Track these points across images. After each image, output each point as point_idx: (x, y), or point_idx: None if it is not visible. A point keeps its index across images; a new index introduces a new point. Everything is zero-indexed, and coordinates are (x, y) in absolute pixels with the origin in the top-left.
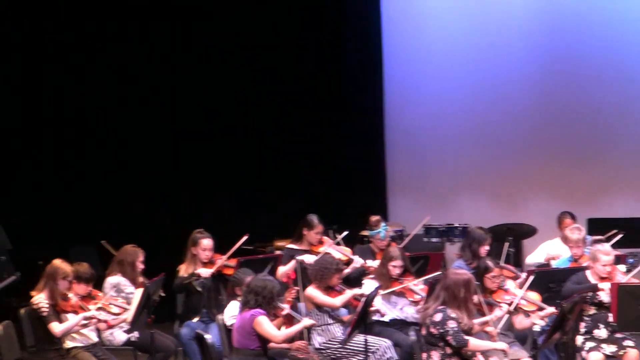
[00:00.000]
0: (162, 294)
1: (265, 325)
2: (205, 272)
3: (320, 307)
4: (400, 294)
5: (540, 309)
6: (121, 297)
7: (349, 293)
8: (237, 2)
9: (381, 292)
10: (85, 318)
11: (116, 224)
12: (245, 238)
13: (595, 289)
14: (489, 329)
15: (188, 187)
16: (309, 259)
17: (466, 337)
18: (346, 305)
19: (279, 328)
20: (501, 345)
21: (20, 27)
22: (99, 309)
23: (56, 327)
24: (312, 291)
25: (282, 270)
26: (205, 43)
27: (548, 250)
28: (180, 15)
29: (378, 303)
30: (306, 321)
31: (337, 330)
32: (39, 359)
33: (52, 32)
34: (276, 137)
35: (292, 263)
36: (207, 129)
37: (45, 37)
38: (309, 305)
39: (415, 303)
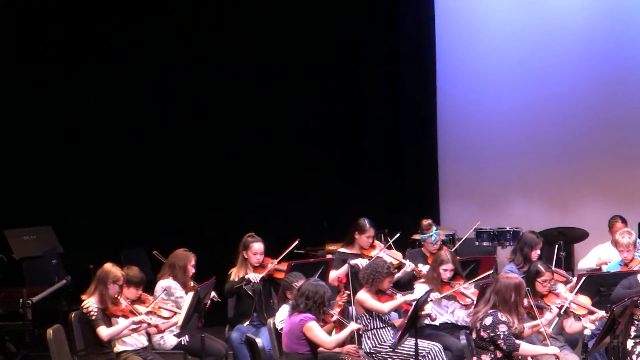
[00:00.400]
0: (217, 299)
1: (316, 331)
2: (254, 277)
3: (370, 311)
4: (451, 297)
5: (591, 312)
6: (170, 300)
7: (399, 299)
8: (294, 17)
9: (433, 296)
10: (134, 323)
11: (167, 228)
12: (296, 242)
13: None
14: (549, 349)
15: (238, 191)
16: (362, 262)
17: (517, 341)
18: (397, 309)
19: (329, 333)
20: (553, 349)
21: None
22: (149, 313)
23: (103, 331)
24: (363, 295)
25: (333, 274)
26: (251, 46)
27: (599, 255)
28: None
29: (429, 307)
30: (353, 325)
31: (388, 334)
32: None
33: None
34: (329, 141)
35: (344, 267)
36: (256, 134)
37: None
38: (360, 309)
39: (466, 307)
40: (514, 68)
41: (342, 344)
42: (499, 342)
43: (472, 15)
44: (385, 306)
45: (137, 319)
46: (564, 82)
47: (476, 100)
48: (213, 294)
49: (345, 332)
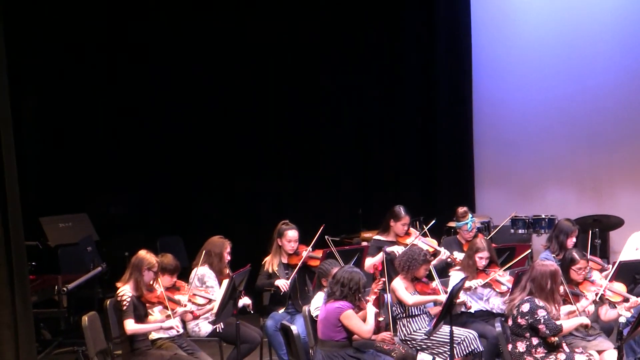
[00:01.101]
0: (249, 306)
1: (354, 319)
2: (284, 284)
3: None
4: (487, 285)
5: (626, 299)
6: (203, 288)
7: (428, 297)
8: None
9: (471, 284)
10: (164, 328)
11: (202, 215)
12: (322, 228)
13: None
14: (580, 319)
15: (274, 178)
16: (398, 250)
17: (558, 322)
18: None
19: (364, 320)
20: (584, 320)
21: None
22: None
23: (129, 325)
24: (397, 283)
25: (369, 261)
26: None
27: (637, 244)
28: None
29: (463, 295)
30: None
31: (423, 322)
32: (124, 350)
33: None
34: (365, 129)
35: (380, 254)
36: (292, 121)
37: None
38: (394, 297)
39: (502, 294)
40: (549, 59)
41: (377, 330)
42: (540, 327)
43: (507, 5)
44: (410, 300)
45: (166, 325)
46: (599, 73)
47: (512, 89)
48: (249, 302)
49: (371, 318)
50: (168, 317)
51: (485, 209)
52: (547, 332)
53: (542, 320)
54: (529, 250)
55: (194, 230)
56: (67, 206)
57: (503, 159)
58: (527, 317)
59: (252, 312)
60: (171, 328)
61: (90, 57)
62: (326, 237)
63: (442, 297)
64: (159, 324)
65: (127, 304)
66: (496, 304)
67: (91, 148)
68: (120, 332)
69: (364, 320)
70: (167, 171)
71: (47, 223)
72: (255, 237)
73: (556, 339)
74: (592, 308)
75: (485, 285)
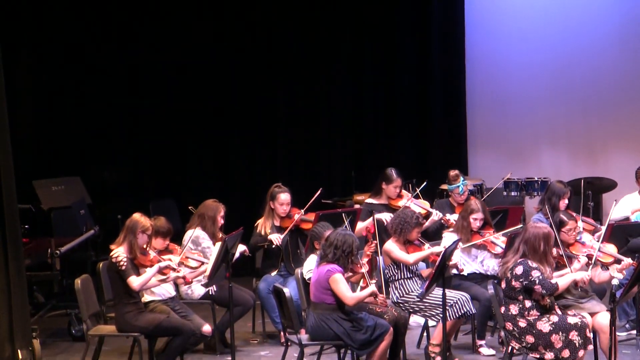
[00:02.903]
0: (249, 254)
1: (341, 284)
2: (277, 238)
3: (397, 262)
4: (481, 246)
5: (618, 261)
6: (198, 250)
7: (426, 251)
8: None
9: (461, 245)
10: (161, 268)
11: (195, 179)
12: (319, 192)
13: None
14: (573, 275)
15: (267, 141)
16: (387, 217)
17: (554, 281)
18: (425, 259)
19: (357, 283)
20: (579, 275)
21: None
22: (178, 263)
23: (134, 281)
24: (390, 245)
25: (360, 225)
26: None
27: (628, 205)
28: None
29: (456, 257)
30: (373, 287)
31: (415, 285)
32: (117, 312)
33: None
34: (358, 92)
35: (369, 219)
36: (284, 85)
37: None
38: (387, 260)
39: (497, 256)
40: (542, 19)
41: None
42: (535, 288)
43: None
44: (410, 257)
45: (163, 264)
46: (592, 34)
47: (504, 50)
48: (244, 248)
49: (365, 292)
50: (162, 280)
51: (478, 172)
52: (544, 291)
53: (537, 281)
54: (520, 226)
55: (188, 194)
56: (60, 169)
57: (496, 122)
58: (521, 280)
59: (249, 255)
60: (168, 267)
61: (86, 19)
62: (320, 192)
63: (440, 249)
64: (157, 266)
65: (125, 264)
66: (491, 265)
67: (84, 111)
68: (113, 294)
69: (358, 283)
70: (161, 134)
71: (40, 186)
72: (249, 200)
73: (549, 301)
74: (586, 276)
75: (479, 247)
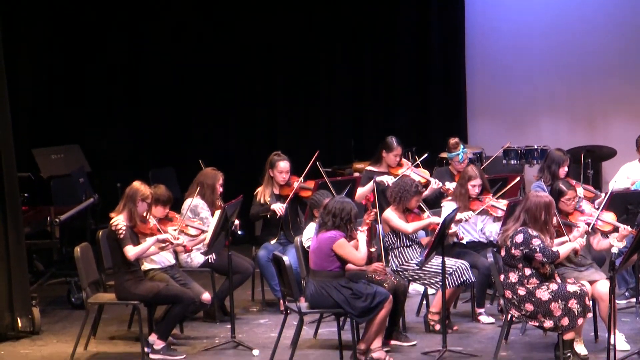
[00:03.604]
0: (239, 231)
1: (347, 247)
2: (280, 208)
3: (396, 230)
4: (483, 212)
5: (617, 228)
6: (196, 219)
7: (424, 220)
8: None
9: (466, 214)
10: (159, 241)
11: (194, 147)
12: (317, 154)
13: None
14: (573, 244)
15: (267, 109)
16: (388, 179)
17: (555, 249)
18: (424, 227)
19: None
20: (577, 243)
21: None
22: (177, 231)
23: (130, 251)
24: (389, 214)
25: (360, 192)
26: None
27: (628, 174)
28: None
29: (455, 226)
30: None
31: (414, 253)
32: (117, 280)
33: None
34: (356, 59)
35: (370, 184)
36: (286, 52)
37: None
38: (386, 228)
39: (499, 219)
40: None
41: (370, 261)
42: (536, 256)
43: None
44: (409, 226)
45: (161, 236)
46: (593, 2)
47: (504, 18)
48: (237, 222)
49: (363, 246)
50: (161, 249)
51: (478, 140)
52: (545, 259)
53: (537, 249)
54: (518, 179)
55: (187, 162)
56: (60, 138)
57: (495, 90)
58: (521, 248)
59: (239, 232)
60: (167, 240)
61: None
62: (318, 163)
63: (438, 220)
64: (155, 237)
65: (124, 232)
66: (493, 230)
67: (83, 80)
68: (113, 262)
69: (357, 249)
70: (161, 102)
71: (40, 154)
72: (248, 169)
73: (549, 269)
74: (582, 241)
75: (480, 213)
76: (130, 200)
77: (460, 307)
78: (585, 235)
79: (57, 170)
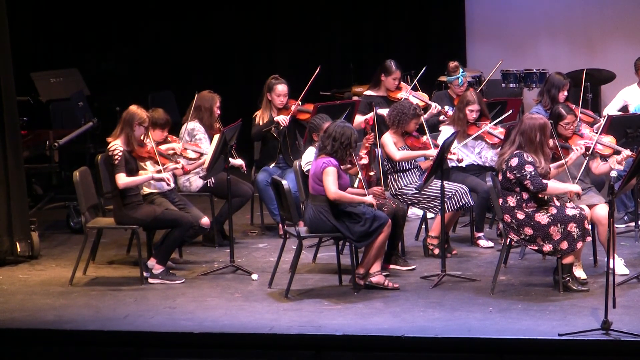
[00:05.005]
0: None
1: (330, 176)
2: (283, 119)
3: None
4: (479, 138)
5: (616, 152)
6: (193, 142)
7: (416, 152)
8: None
9: (457, 144)
10: (154, 178)
11: (193, 71)
12: (318, 70)
13: None
14: (570, 186)
15: (265, 33)
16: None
17: (544, 181)
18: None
19: (355, 175)
20: (575, 187)
21: None
22: (175, 155)
23: (120, 179)
24: (386, 138)
25: (358, 119)
26: None
27: (625, 97)
28: None
29: (455, 148)
30: (367, 199)
31: (414, 177)
32: (115, 204)
33: None
34: None
35: (371, 113)
36: None
37: None
38: (384, 152)
39: (494, 146)
40: None
41: (369, 185)
42: (525, 183)
43: None
44: (397, 154)
45: (157, 175)
46: None
47: None
48: (241, 162)
49: (355, 197)
50: (159, 171)
51: (477, 64)
52: (532, 187)
53: (528, 176)
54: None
55: (185, 85)
56: (59, 61)
57: (494, 13)
58: (514, 172)
59: (245, 172)
60: (162, 180)
61: None
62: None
63: (432, 152)
64: (151, 175)
65: (119, 158)
66: (489, 156)
67: (81, 2)
68: (112, 186)
69: (356, 176)
70: (159, 25)
71: (38, 78)
72: (246, 93)
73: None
74: (578, 188)
75: (477, 138)
76: (127, 125)
77: (459, 231)
78: (582, 157)
79: (56, 94)
